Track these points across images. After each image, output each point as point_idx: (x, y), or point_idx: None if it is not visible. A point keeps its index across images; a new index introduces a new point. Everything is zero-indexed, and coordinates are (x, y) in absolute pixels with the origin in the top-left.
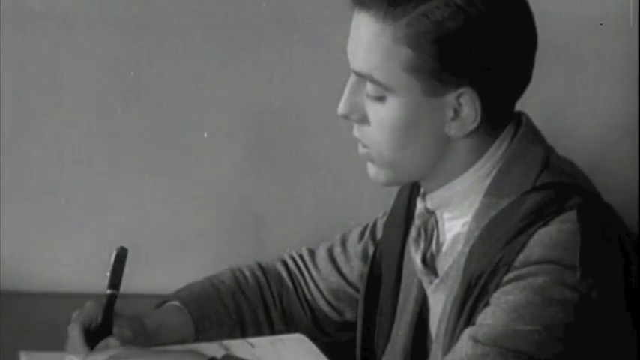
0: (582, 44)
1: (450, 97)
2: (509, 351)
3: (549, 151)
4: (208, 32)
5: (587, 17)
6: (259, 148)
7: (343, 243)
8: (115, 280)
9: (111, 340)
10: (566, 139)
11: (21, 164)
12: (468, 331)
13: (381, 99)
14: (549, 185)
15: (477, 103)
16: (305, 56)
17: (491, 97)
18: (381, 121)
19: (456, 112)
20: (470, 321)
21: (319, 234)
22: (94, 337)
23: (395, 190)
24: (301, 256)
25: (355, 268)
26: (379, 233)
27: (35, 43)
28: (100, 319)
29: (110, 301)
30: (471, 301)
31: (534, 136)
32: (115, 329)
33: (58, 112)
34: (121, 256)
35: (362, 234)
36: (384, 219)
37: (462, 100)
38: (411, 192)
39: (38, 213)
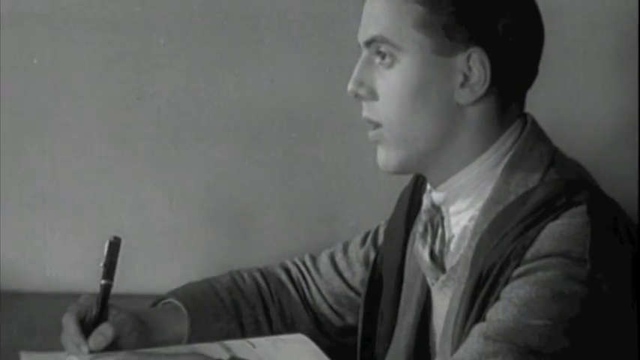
0: (582, 44)
1: (460, 60)
2: (519, 347)
3: (555, 149)
4: (208, 32)
5: (587, 17)
6: (259, 148)
7: (345, 249)
8: (110, 270)
9: (104, 327)
10: (566, 139)
11: (21, 164)
12: (478, 327)
13: (390, 65)
14: (557, 181)
15: (487, 65)
16: (305, 56)
17: (501, 61)
18: (391, 91)
19: (466, 77)
20: (481, 315)
21: (317, 235)
22: (89, 328)
23: (394, 191)
24: (304, 262)
25: (357, 274)
26: (380, 240)
27: (35, 43)
28: (95, 310)
29: (105, 292)
30: (481, 295)
31: (541, 134)
32: (110, 318)
33: (58, 112)
34: (115, 246)
35: (364, 240)
36: (386, 226)
37: (471, 63)
38: (411, 198)
39: (38, 213)
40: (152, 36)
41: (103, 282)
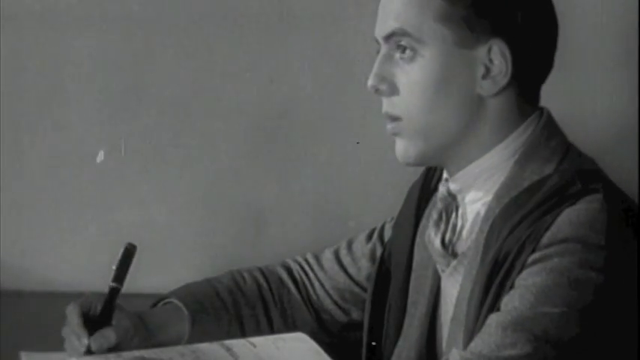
0: (582, 44)
1: (481, 52)
2: (537, 336)
3: (570, 142)
4: (208, 32)
5: (586, 17)
6: (260, 148)
7: (349, 246)
8: (120, 274)
9: (108, 331)
10: None
11: (21, 164)
12: (495, 317)
13: (412, 59)
14: (571, 169)
15: (508, 55)
16: (305, 56)
17: (522, 51)
18: (412, 84)
19: (487, 70)
20: (497, 301)
21: (319, 234)
22: (91, 323)
23: (395, 191)
24: (306, 260)
25: (363, 269)
26: (387, 235)
27: (35, 43)
28: (99, 308)
29: (112, 294)
30: (497, 280)
31: (557, 127)
32: (115, 322)
33: (58, 111)
34: (129, 253)
35: (369, 236)
36: (392, 222)
37: (492, 55)
38: (421, 192)
39: (38, 213)
40: (152, 36)
41: (111, 284)
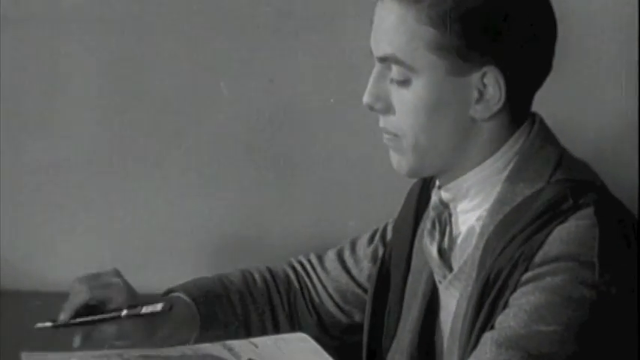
0: (582, 44)
1: (475, 78)
2: (531, 354)
3: (562, 149)
4: (208, 32)
5: (586, 16)
6: (260, 148)
7: (352, 246)
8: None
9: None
10: (565, 140)
11: (21, 164)
12: (489, 335)
13: (405, 83)
14: (563, 182)
15: (502, 83)
16: (305, 56)
17: (515, 77)
18: (406, 107)
19: (481, 94)
20: (489, 319)
21: (320, 234)
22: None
23: (394, 191)
24: (309, 260)
25: (365, 270)
26: (389, 236)
27: (35, 43)
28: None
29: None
30: (489, 298)
31: (548, 134)
32: (119, 328)
33: (58, 112)
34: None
35: (372, 237)
36: (394, 221)
37: (485, 81)
38: (420, 194)
39: (38, 213)
40: (152, 36)
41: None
